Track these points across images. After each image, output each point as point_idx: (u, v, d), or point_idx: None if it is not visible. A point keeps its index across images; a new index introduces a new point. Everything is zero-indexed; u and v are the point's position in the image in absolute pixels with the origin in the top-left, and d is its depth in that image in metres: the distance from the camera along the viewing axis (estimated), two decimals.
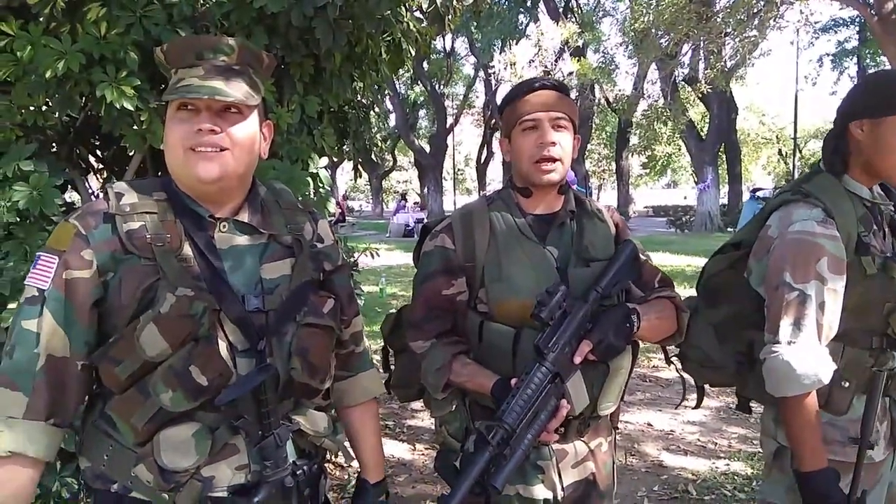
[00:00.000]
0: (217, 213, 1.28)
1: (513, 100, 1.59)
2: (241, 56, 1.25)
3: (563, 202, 1.63)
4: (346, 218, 23.94)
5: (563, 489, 1.59)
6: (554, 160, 1.54)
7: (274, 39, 2.63)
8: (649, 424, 4.42)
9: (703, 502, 3.29)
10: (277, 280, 1.29)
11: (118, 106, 2.17)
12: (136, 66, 2.19)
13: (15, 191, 2.17)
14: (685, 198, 35.60)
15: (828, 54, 26.19)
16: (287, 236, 1.33)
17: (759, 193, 12.76)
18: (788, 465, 1.65)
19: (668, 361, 1.89)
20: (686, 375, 1.86)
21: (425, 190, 29.04)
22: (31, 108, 2.31)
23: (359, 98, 3.49)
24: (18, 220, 2.20)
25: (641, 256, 1.64)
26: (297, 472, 1.28)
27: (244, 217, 1.30)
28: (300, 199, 1.46)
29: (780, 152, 36.28)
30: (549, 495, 1.58)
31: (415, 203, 27.67)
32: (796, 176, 26.34)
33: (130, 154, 2.60)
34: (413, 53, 3.73)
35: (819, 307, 1.52)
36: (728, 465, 3.74)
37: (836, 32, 25.09)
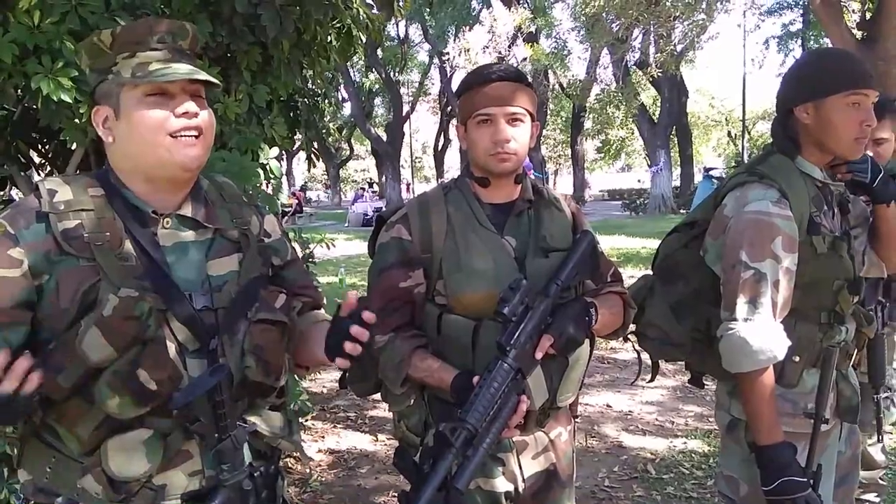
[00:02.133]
0: (160, 207, 1.22)
1: (468, 89, 1.55)
2: (193, 41, 1.23)
3: (521, 191, 1.61)
4: (304, 208, 23.67)
5: (524, 480, 1.58)
6: (509, 153, 1.52)
7: (218, 27, 2.56)
8: (608, 406, 4.48)
9: (662, 481, 3.35)
10: (225, 276, 1.25)
11: (55, 98, 2.08)
12: (73, 56, 2.10)
13: None
14: (639, 181, 36.09)
15: (773, 37, 26.71)
16: (233, 231, 1.29)
17: (713, 173, 13.06)
18: (742, 437, 1.69)
19: (625, 339, 1.91)
20: (642, 352, 1.89)
21: (383, 178, 28.88)
22: None
23: (309, 86, 3.43)
24: None
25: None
26: (255, 475, 1.25)
27: (187, 211, 1.25)
28: (250, 191, 1.42)
29: (729, 134, 37.03)
30: (511, 487, 1.57)
31: (373, 192, 27.51)
32: (746, 157, 27.00)
33: (72, 148, 2.50)
34: (364, 40, 3.67)
35: (774, 285, 1.56)
36: (685, 443, 3.82)
37: (781, 15, 25.63)
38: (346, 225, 20.78)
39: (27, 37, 2.06)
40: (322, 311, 1.48)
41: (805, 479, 1.54)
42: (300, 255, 3.99)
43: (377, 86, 30.42)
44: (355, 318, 1.17)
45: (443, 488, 1.35)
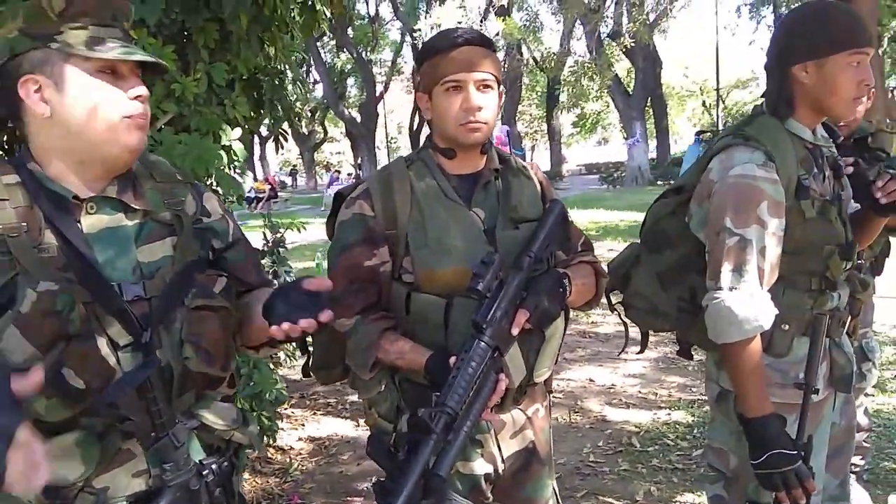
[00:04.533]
0: (82, 192, 1.14)
1: (434, 54, 1.46)
2: (130, 22, 1.18)
3: (486, 161, 1.53)
4: (279, 193, 23.40)
5: (503, 461, 1.52)
6: (480, 122, 1.44)
7: (172, 3, 2.44)
8: (591, 380, 4.45)
9: (647, 453, 3.32)
10: (158, 262, 1.17)
11: None
12: None
13: None
14: (616, 154, 36.13)
15: (745, 3, 26.67)
16: (165, 213, 1.21)
17: (704, 136, 12.94)
18: (731, 409, 1.64)
19: (612, 309, 1.87)
20: (628, 322, 1.85)
21: (359, 160, 28.61)
22: None
23: (272, 64, 3.31)
24: None
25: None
26: (204, 472, 1.18)
27: (112, 193, 1.16)
28: (211, 174, 1.34)
29: (704, 104, 37.11)
30: (490, 469, 1.51)
31: (349, 174, 27.30)
32: (721, 126, 27.03)
33: None
34: (328, 15, 3.55)
35: (760, 252, 1.51)
36: (669, 414, 3.80)
37: None
38: (323, 209, 20.57)
39: None
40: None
41: (795, 452, 1.50)
42: (270, 240, 3.89)
43: (349, 66, 30.03)
44: (324, 299, 1.10)
45: (422, 476, 1.29)
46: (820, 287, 1.59)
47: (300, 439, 3.75)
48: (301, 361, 1.73)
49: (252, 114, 3.11)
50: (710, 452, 1.77)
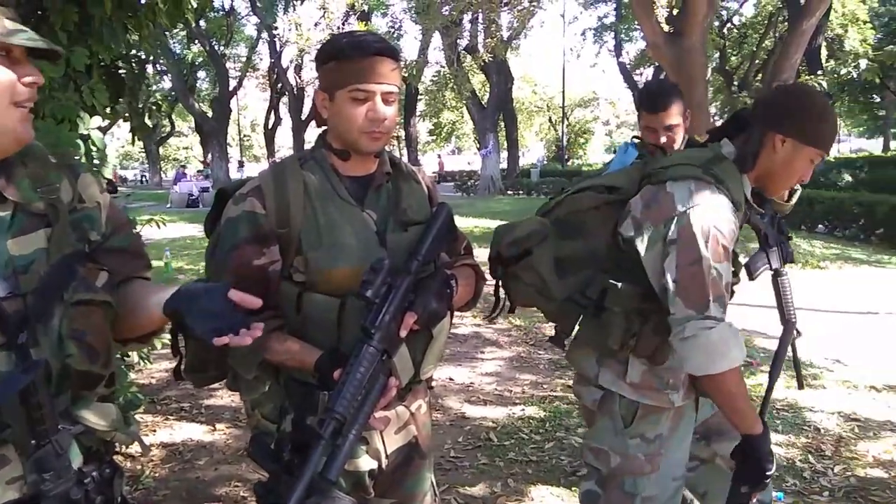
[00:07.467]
0: None
1: (342, 58, 1.45)
2: None
3: (379, 164, 1.58)
4: (118, 188, 21.88)
5: (387, 456, 1.57)
6: (383, 132, 1.48)
7: None
8: (450, 379, 4.60)
9: (504, 447, 3.50)
10: (31, 256, 1.09)
11: None
12: None
13: None
14: (469, 163, 37.18)
15: (590, 28, 28.52)
16: (38, 202, 1.13)
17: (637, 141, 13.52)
18: (616, 410, 1.75)
19: (494, 276, 1.88)
20: (501, 291, 1.87)
21: (209, 157, 27.43)
22: None
23: (134, 52, 3.15)
24: None
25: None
26: (85, 480, 1.13)
27: None
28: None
29: (550, 120, 39.21)
30: (374, 465, 1.55)
31: (198, 171, 26.05)
32: (565, 141, 28.48)
33: None
34: (195, 5, 3.44)
35: (725, 286, 1.61)
36: (523, 410, 4.01)
37: (596, 8, 27.41)
38: (169, 206, 19.53)
39: None
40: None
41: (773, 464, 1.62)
42: None
43: (200, 58, 28.70)
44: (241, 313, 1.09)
45: (311, 479, 1.30)
46: None
47: (152, 445, 3.57)
48: (152, 366, 1.64)
49: (109, 103, 2.95)
50: (589, 452, 1.84)
